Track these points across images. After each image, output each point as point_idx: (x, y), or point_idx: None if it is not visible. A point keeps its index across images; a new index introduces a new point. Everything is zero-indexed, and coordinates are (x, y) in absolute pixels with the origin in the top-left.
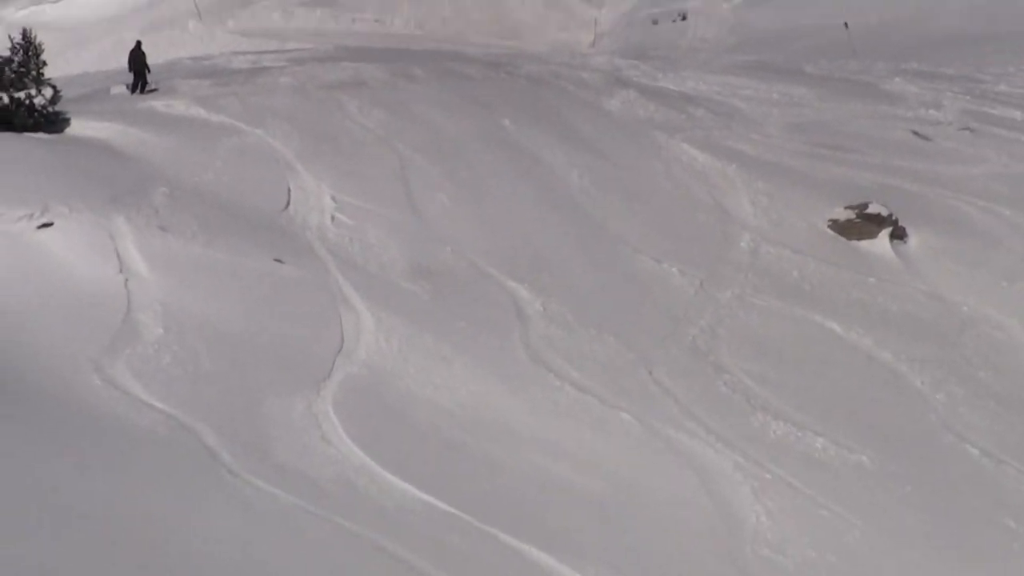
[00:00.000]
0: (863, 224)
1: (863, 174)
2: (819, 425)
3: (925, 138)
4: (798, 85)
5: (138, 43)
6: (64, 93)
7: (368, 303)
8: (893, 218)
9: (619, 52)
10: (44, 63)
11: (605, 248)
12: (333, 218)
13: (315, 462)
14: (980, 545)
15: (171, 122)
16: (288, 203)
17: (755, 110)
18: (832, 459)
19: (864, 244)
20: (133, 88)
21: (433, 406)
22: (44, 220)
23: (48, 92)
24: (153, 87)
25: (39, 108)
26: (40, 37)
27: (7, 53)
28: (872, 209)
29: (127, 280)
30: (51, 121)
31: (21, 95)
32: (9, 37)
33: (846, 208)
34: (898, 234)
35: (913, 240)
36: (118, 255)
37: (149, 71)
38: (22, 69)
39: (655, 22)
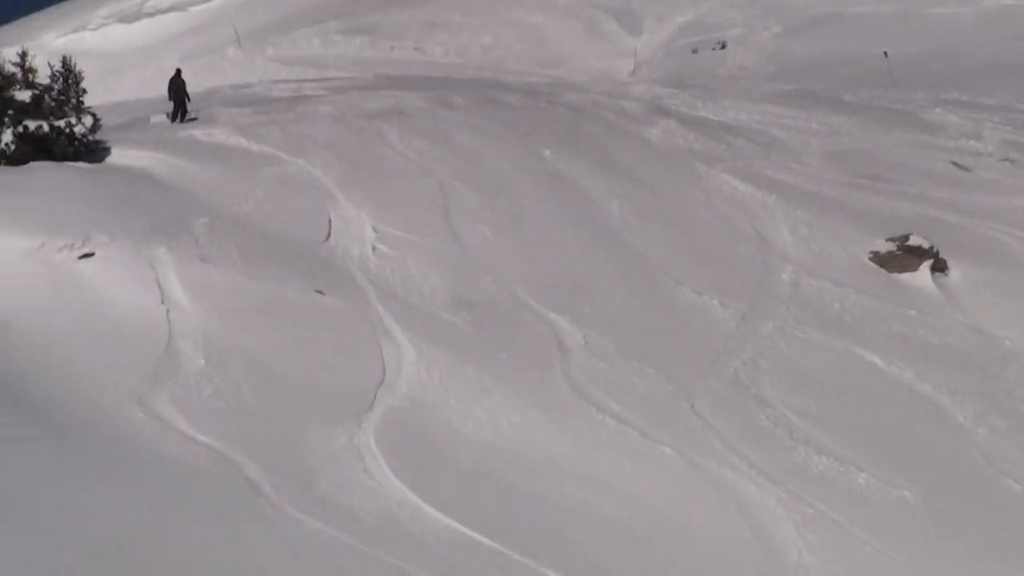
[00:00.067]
0: (904, 256)
1: (903, 204)
2: (861, 459)
3: (965, 168)
4: (838, 114)
5: (178, 71)
6: (104, 121)
7: (409, 334)
8: (934, 251)
9: (659, 81)
10: (84, 91)
11: (645, 279)
12: (374, 248)
13: (357, 495)
14: None
15: (211, 151)
16: (329, 233)
17: (795, 139)
18: (874, 494)
19: (905, 277)
20: (173, 117)
21: (474, 439)
22: (85, 250)
23: (88, 120)
24: (193, 116)
25: (79, 136)
26: (80, 65)
27: (47, 81)
28: (913, 241)
29: (168, 310)
30: (91, 150)
31: (61, 123)
32: (49, 65)
33: (887, 240)
34: (939, 266)
35: (954, 272)
36: (159, 285)
37: (189, 99)
38: (62, 97)
39: (695, 51)
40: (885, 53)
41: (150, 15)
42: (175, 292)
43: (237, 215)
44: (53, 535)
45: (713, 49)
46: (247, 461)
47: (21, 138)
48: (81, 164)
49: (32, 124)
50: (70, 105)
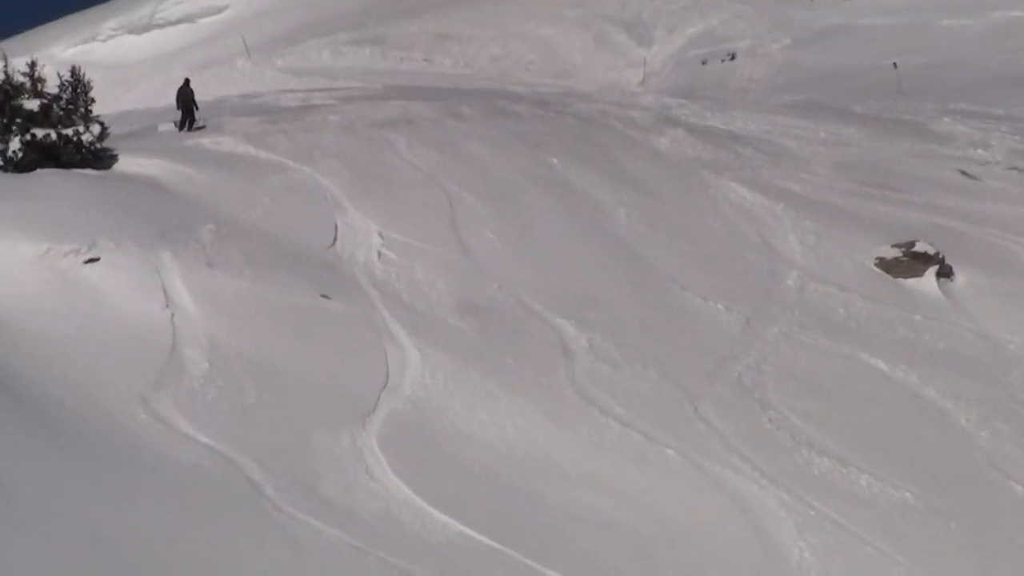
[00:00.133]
0: (910, 262)
1: (910, 213)
2: (864, 462)
3: (973, 178)
4: (846, 124)
5: (186, 80)
6: (112, 130)
7: (414, 339)
8: (940, 256)
9: (668, 91)
10: (92, 100)
11: (652, 285)
12: (380, 255)
13: (360, 497)
14: None
15: (219, 159)
16: (335, 240)
17: (803, 149)
18: (876, 496)
19: (911, 282)
20: (181, 125)
21: (478, 442)
22: (91, 255)
23: (96, 129)
24: (201, 124)
25: (87, 145)
26: (89, 75)
27: (56, 90)
28: (919, 248)
29: (173, 315)
30: (99, 157)
31: (69, 132)
32: (58, 75)
33: (893, 246)
34: (945, 272)
35: (960, 279)
36: (164, 290)
37: (197, 108)
38: (70, 106)
39: (704, 62)
40: (894, 64)
41: (159, 27)
42: (181, 297)
43: (244, 222)
44: (56, 536)
45: (722, 60)
46: (250, 463)
47: (29, 146)
48: (88, 171)
49: (40, 132)
50: (78, 114)
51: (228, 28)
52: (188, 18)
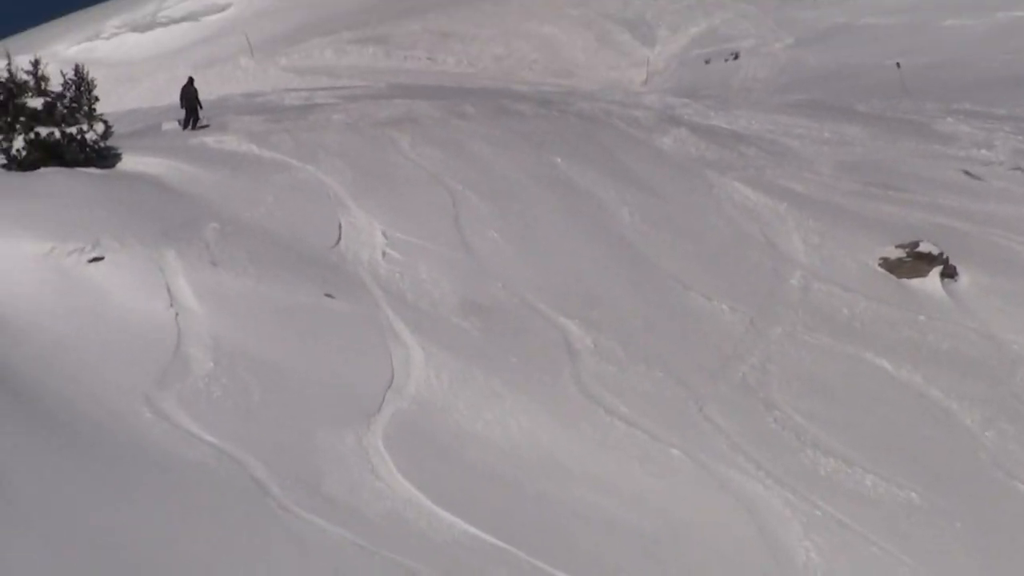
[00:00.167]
0: (914, 262)
1: (914, 213)
2: (869, 462)
3: (976, 178)
4: (850, 124)
5: (190, 79)
6: (116, 129)
7: (418, 338)
8: (944, 257)
9: (671, 91)
10: (96, 99)
11: (656, 285)
12: (384, 254)
13: (365, 496)
14: None
15: (222, 158)
16: (339, 239)
17: (807, 149)
18: (882, 496)
19: (915, 282)
20: (185, 124)
21: (483, 441)
22: (95, 254)
23: (100, 127)
24: (205, 123)
25: (90, 143)
26: (92, 73)
27: (59, 89)
28: (923, 248)
29: (177, 314)
30: (102, 156)
31: (73, 130)
32: (62, 73)
33: (897, 247)
34: (948, 273)
35: (963, 279)
36: (168, 289)
37: (201, 107)
38: (74, 105)
39: (707, 61)
40: (897, 64)
41: (163, 25)
42: (185, 296)
43: (248, 221)
44: (58, 535)
45: (726, 60)
46: (255, 462)
47: (32, 144)
48: (92, 170)
49: (44, 131)
50: (82, 112)
51: (231, 26)
52: (191, 16)
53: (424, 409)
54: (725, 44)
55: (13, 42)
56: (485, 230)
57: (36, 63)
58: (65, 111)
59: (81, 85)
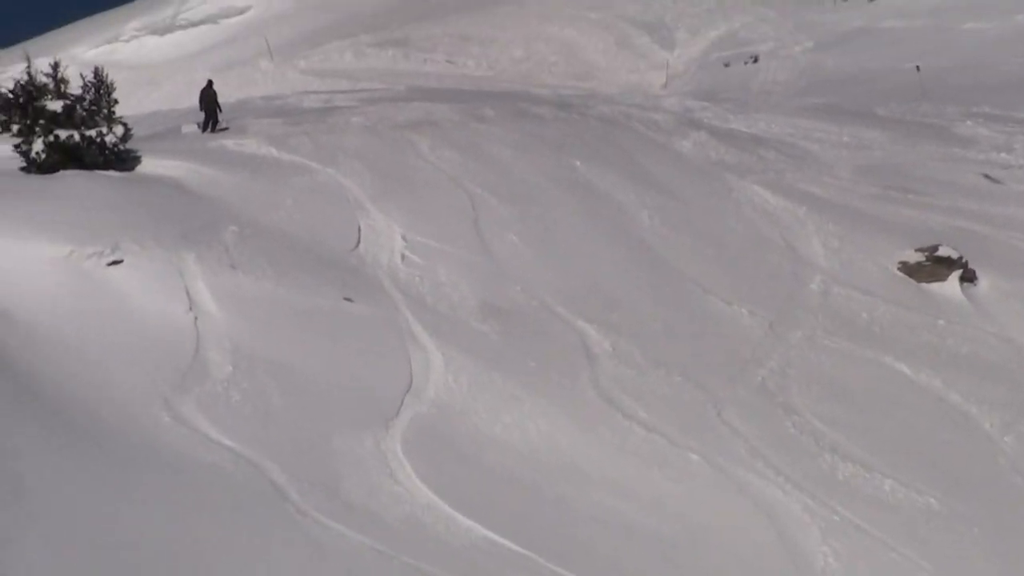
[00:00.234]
0: (933, 267)
1: (933, 217)
2: (888, 467)
3: (996, 181)
4: (869, 128)
5: (209, 82)
6: (135, 131)
7: (438, 342)
8: (963, 261)
9: (691, 94)
10: (116, 101)
11: (675, 288)
12: (403, 257)
13: (383, 500)
14: None
15: (242, 161)
16: (358, 242)
17: (826, 152)
18: (900, 501)
19: (934, 286)
20: (204, 127)
21: (502, 445)
22: (114, 257)
23: (119, 130)
24: (224, 126)
25: (110, 146)
26: (112, 76)
27: (79, 91)
28: (942, 252)
29: (196, 318)
30: (122, 159)
31: (92, 133)
32: (81, 76)
33: (916, 251)
34: (968, 277)
35: (983, 283)
36: (188, 293)
37: (220, 110)
38: (93, 107)
39: (727, 64)
40: (917, 67)
41: (182, 27)
42: (204, 299)
43: (267, 224)
44: (76, 535)
45: (745, 63)
46: (273, 466)
47: (52, 147)
48: (111, 173)
49: (63, 133)
50: (101, 115)
51: (250, 29)
52: (211, 19)
53: (443, 413)
54: (744, 47)
55: (33, 45)
56: (504, 233)
57: (56, 66)
58: (84, 114)
59: (100, 88)
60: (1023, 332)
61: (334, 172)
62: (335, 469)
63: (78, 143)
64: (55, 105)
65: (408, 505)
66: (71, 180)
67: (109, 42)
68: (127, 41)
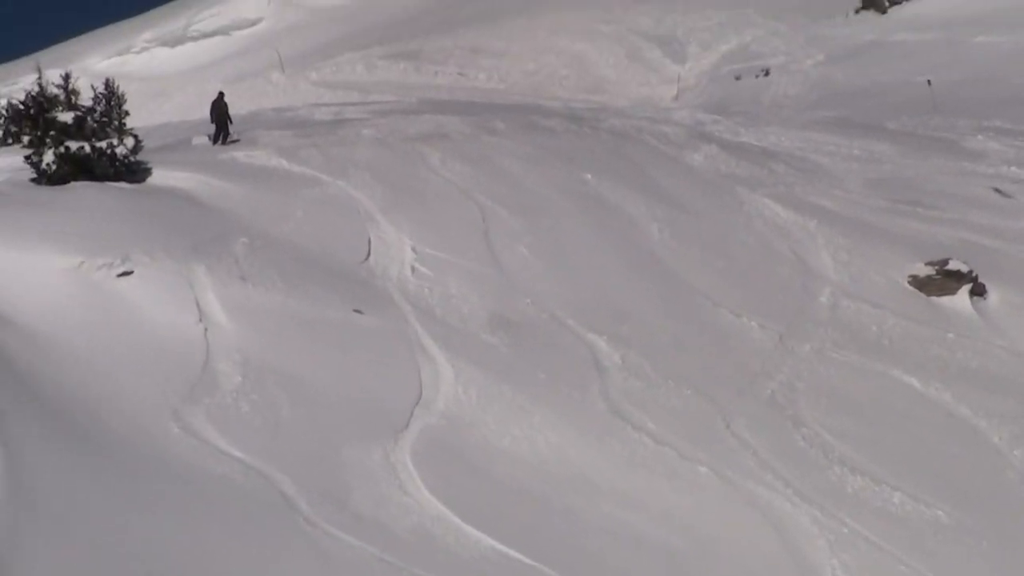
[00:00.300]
0: (943, 280)
1: (943, 230)
2: (896, 479)
3: (1006, 195)
4: (880, 141)
5: (220, 94)
6: (146, 143)
7: (447, 354)
8: (973, 275)
9: (702, 107)
10: (126, 113)
11: (685, 301)
12: (413, 269)
13: (392, 512)
14: None
15: (252, 173)
16: (368, 254)
17: (837, 166)
18: (909, 514)
19: (944, 300)
20: (215, 139)
21: (511, 457)
22: (124, 268)
23: (130, 142)
24: (235, 138)
25: (120, 157)
26: (123, 87)
27: (90, 103)
28: (952, 266)
29: (206, 329)
30: (132, 170)
31: (103, 144)
32: (92, 87)
33: (926, 264)
34: (978, 291)
35: (993, 297)
36: (198, 304)
37: (231, 122)
38: (104, 119)
39: (738, 78)
40: (928, 81)
41: (194, 39)
42: (214, 311)
43: (277, 236)
44: (85, 545)
45: (756, 77)
46: (283, 477)
47: (63, 158)
48: (122, 184)
49: (74, 145)
50: (112, 127)
51: (262, 41)
52: (222, 31)
53: (452, 425)
54: (756, 61)
55: (44, 56)
56: (515, 245)
57: (67, 77)
58: (95, 125)
59: (111, 99)
60: None
61: (344, 184)
62: (344, 480)
63: (89, 154)
64: (66, 116)
65: (417, 516)
66: (82, 191)
67: (120, 53)
68: (138, 53)
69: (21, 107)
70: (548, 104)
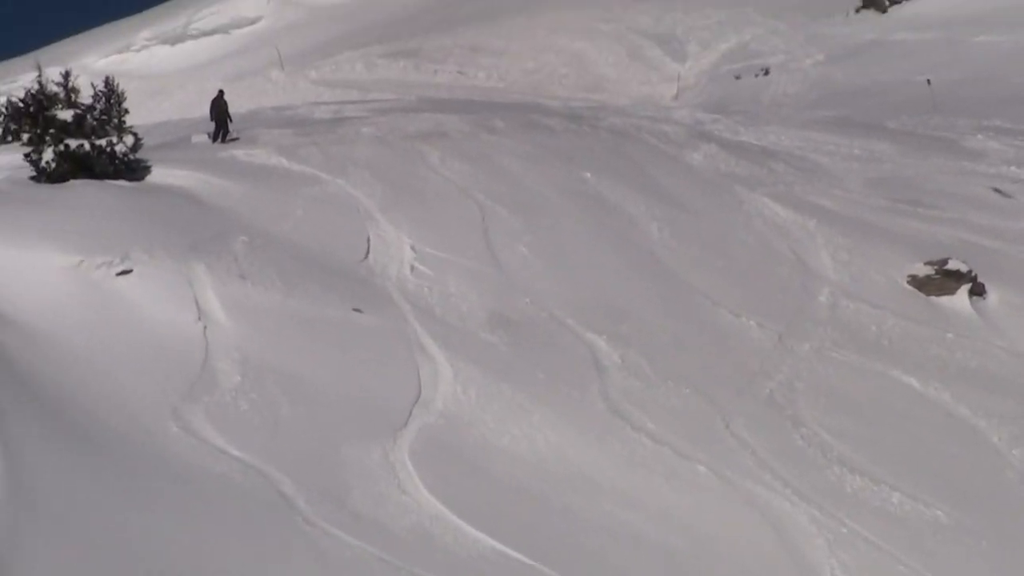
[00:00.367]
0: (942, 280)
1: (943, 230)
2: (895, 479)
3: (1006, 195)
4: (879, 140)
5: (220, 92)
6: (145, 141)
7: (446, 353)
8: (972, 274)
9: (701, 106)
10: (126, 111)
11: (684, 300)
12: (412, 268)
13: (391, 511)
14: None
15: (252, 171)
16: (368, 253)
17: (836, 165)
18: (908, 514)
19: (943, 300)
20: (214, 137)
21: (510, 456)
22: (124, 267)
23: (129, 140)
24: (234, 136)
25: (120, 155)
26: (123, 85)
27: (89, 101)
28: (951, 265)
29: (206, 328)
30: (132, 169)
31: (102, 142)
32: (92, 85)
33: (925, 264)
34: (977, 290)
35: (992, 296)
36: (197, 303)
37: (231, 120)
38: (104, 117)
39: (738, 77)
40: (927, 80)
41: (194, 37)
42: (213, 309)
43: (276, 234)
44: (84, 544)
45: (756, 76)
46: (281, 476)
47: (62, 156)
48: (122, 182)
49: (73, 143)
50: (112, 125)
51: (261, 40)
52: (222, 29)
53: (451, 423)
54: (755, 60)
55: (44, 54)
56: (514, 244)
57: (66, 75)
58: (95, 123)
59: (111, 97)
60: None
61: (344, 183)
62: (343, 479)
63: (88, 152)
64: (66, 114)
65: (416, 515)
66: (81, 189)
67: (120, 52)
68: (138, 51)
69: (21, 105)
70: (548, 103)
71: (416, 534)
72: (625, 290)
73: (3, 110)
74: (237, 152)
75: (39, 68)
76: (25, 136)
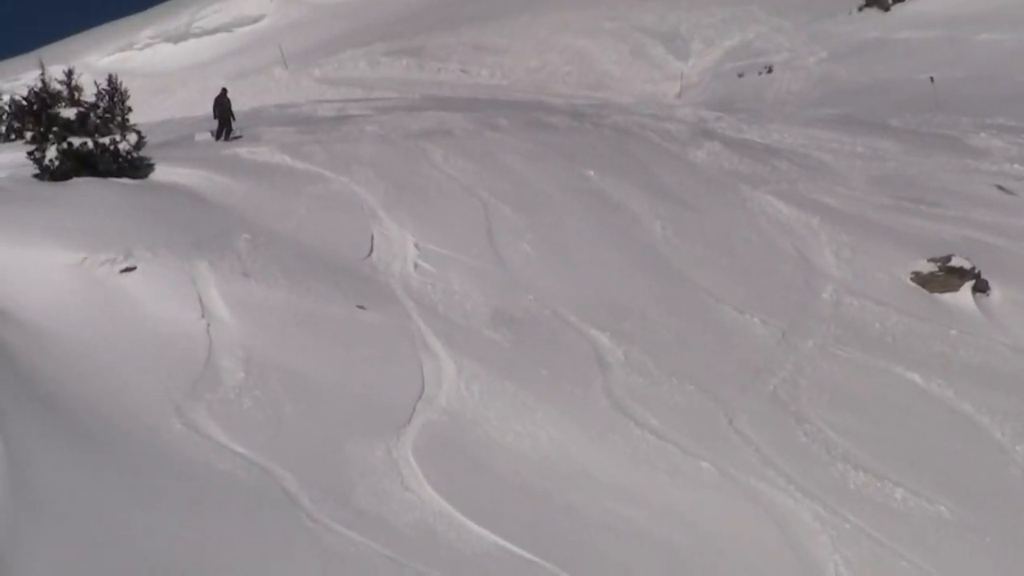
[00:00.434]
0: (946, 277)
1: (946, 227)
2: (899, 476)
3: (1009, 192)
4: (883, 138)
5: (223, 90)
6: (149, 139)
7: (450, 350)
8: (976, 271)
9: (705, 104)
10: (129, 109)
11: (687, 297)
12: (416, 265)
13: (394, 508)
14: None
15: (255, 169)
16: (371, 250)
17: (840, 163)
18: (911, 510)
19: (947, 297)
20: (218, 135)
21: (513, 453)
22: (127, 265)
23: (132, 137)
24: (238, 134)
25: (123, 153)
26: (126, 83)
27: (93, 99)
28: (955, 262)
29: (209, 325)
30: (135, 166)
31: (106, 140)
32: (95, 83)
33: (929, 261)
34: (980, 287)
35: (996, 293)
36: (200, 300)
37: (234, 118)
38: (107, 115)
39: (741, 75)
40: (931, 78)
41: (196, 36)
42: (216, 307)
43: (280, 232)
44: (87, 542)
45: (760, 73)
46: (285, 473)
47: (65, 154)
48: (125, 180)
49: (77, 140)
50: (115, 122)
51: (265, 38)
52: (225, 27)
53: (454, 421)
54: (759, 58)
55: (47, 52)
56: (517, 242)
57: (70, 73)
58: (98, 121)
59: (114, 95)
60: None
61: (347, 180)
62: (347, 476)
63: (91, 150)
64: (69, 112)
65: (419, 512)
66: (84, 187)
67: (123, 50)
68: (141, 49)
69: (24, 103)
70: (551, 101)
71: (419, 531)
72: (628, 287)
73: (7, 108)
74: (240, 150)
75: (42, 66)
76: (28, 134)
